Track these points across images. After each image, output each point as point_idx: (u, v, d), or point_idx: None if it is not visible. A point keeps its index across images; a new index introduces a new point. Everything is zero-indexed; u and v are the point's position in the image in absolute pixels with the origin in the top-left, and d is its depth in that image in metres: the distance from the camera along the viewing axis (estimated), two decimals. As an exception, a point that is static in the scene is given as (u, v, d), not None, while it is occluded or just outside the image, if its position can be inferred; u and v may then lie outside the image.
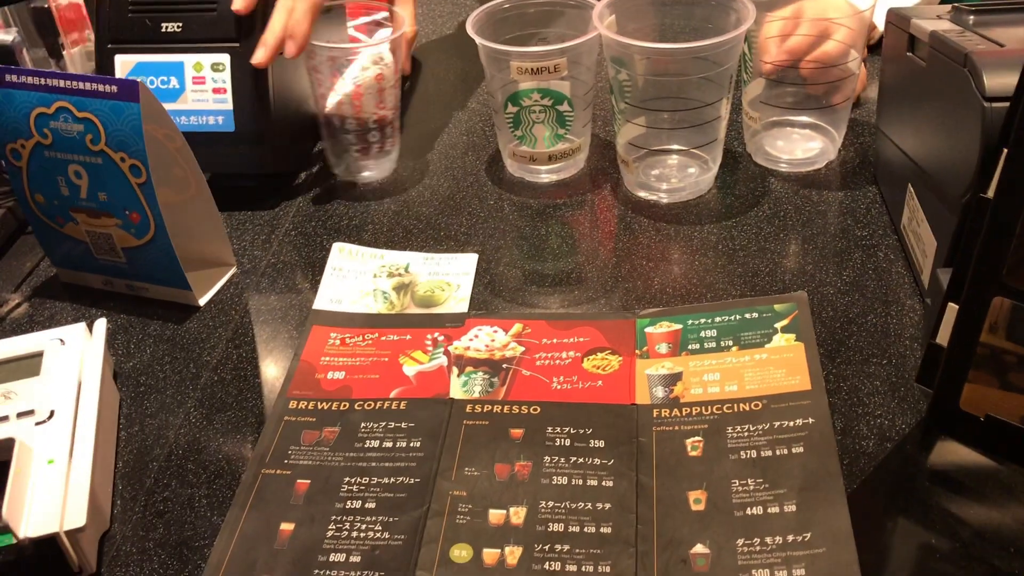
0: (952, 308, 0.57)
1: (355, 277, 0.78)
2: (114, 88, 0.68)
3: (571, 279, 0.77)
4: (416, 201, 0.87)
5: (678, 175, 0.84)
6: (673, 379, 0.65)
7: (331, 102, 0.84)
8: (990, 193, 0.53)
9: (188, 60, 0.85)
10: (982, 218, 0.54)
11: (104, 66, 0.86)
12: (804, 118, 0.85)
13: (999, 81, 0.58)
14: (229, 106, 0.84)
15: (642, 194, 0.84)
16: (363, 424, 0.65)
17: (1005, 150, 0.52)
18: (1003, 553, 0.53)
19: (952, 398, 0.58)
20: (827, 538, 0.54)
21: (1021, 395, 0.55)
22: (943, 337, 0.58)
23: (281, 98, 0.86)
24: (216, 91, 0.85)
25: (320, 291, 0.76)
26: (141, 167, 0.70)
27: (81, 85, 0.69)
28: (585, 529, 0.57)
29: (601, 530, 0.57)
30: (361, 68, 0.82)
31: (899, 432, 0.61)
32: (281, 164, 0.89)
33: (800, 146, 0.85)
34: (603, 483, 0.59)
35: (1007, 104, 0.55)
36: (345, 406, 0.66)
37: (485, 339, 0.70)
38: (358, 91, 0.83)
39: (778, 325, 0.67)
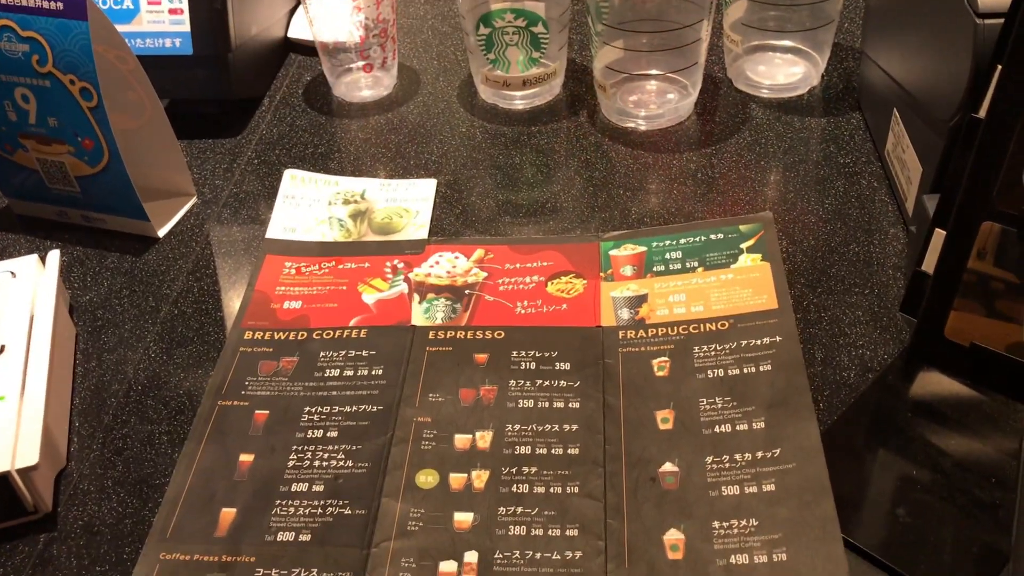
0: (939, 234, 0.55)
1: (309, 205, 0.75)
2: (60, 5, 0.64)
3: (542, 208, 0.74)
4: (384, 128, 0.84)
5: (657, 101, 0.81)
6: (638, 301, 0.64)
7: (328, 21, 0.81)
8: (982, 113, 0.51)
9: (142, -22, 0.80)
10: (972, 140, 0.52)
11: (53, -15, 0.81)
12: (787, 42, 0.82)
13: (993, -4, 0.55)
14: (187, 27, 0.80)
15: (620, 121, 0.82)
16: (322, 353, 0.63)
17: (999, 67, 0.49)
18: (985, 483, 0.52)
19: (937, 326, 0.56)
20: (796, 453, 0.53)
21: (1008, 323, 0.53)
22: (929, 264, 0.56)
23: (242, 18, 0.82)
24: (172, 12, 0.80)
25: (273, 219, 0.73)
26: (92, 90, 0.66)
27: (24, 2, 0.65)
28: (552, 451, 0.56)
29: (569, 451, 0.56)
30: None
31: (881, 363, 0.60)
32: (243, 89, 0.85)
33: (782, 71, 0.82)
34: (570, 405, 0.58)
35: (1000, 20, 0.52)
36: (303, 336, 0.64)
37: (446, 265, 0.68)
38: (356, 5, 0.79)
39: (743, 245, 0.66)
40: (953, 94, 0.58)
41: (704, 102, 0.83)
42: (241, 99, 0.86)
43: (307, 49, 0.93)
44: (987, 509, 0.51)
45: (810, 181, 0.74)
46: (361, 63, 0.85)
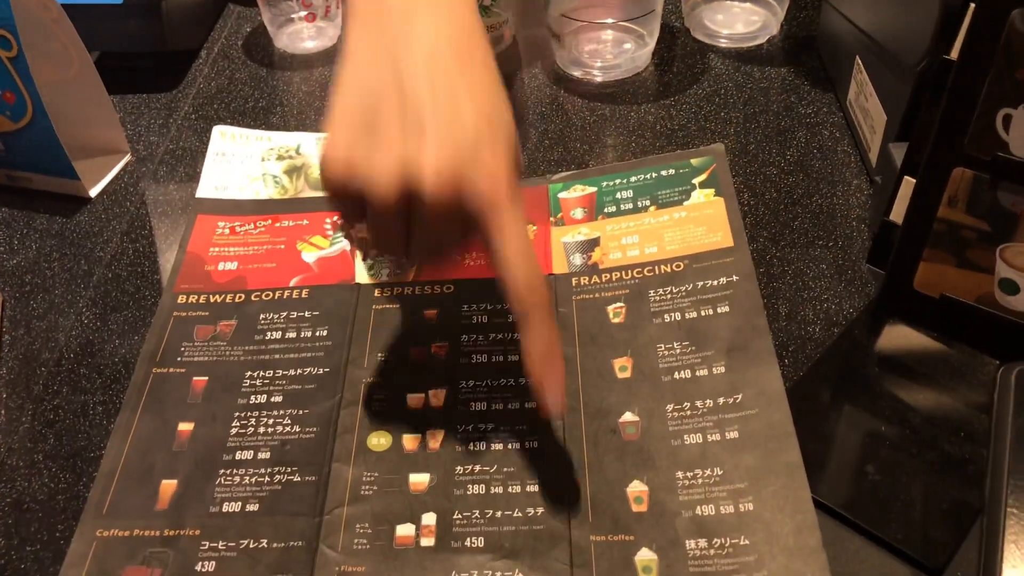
0: (908, 182, 0.53)
1: (241, 162, 0.71)
2: (-28, -56, 0.60)
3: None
4: (329, 81, 0.80)
5: (613, 51, 0.78)
6: (591, 245, 0.62)
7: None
8: (953, 55, 0.49)
9: (65, -80, 0.75)
10: (942, 84, 0.50)
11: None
12: (746, -11, 0.80)
13: (962, -66, 0.53)
14: (115, -26, 0.76)
15: (575, 71, 0.79)
16: (262, 315, 0.59)
17: (972, 5, 0.47)
18: (954, 438, 0.51)
19: (906, 278, 0.54)
20: (759, 399, 0.51)
21: (979, 273, 0.52)
22: (897, 214, 0.54)
23: (175, -35, 0.78)
24: (99, -43, 0.75)
25: (203, 178, 0.69)
26: (11, 38, 0.62)
27: (-67, -59, 0.60)
28: (509, 406, 0.54)
29: (526, 405, 0.54)
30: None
31: (847, 316, 0.58)
32: (178, 41, 0.81)
33: (741, 19, 0.80)
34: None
35: (971, -41, 0.50)
36: (240, 298, 0.61)
37: None
38: None
39: (696, 180, 0.64)
40: (921, 38, 0.56)
41: (661, 52, 0.80)
42: (176, 51, 0.82)
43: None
44: (957, 464, 0.50)
45: (771, 132, 0.72)
46: (303, 12, 0.81)
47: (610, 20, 0.77)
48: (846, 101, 0.71)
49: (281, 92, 0.79)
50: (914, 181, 0.52)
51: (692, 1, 0.81)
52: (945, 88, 0.49)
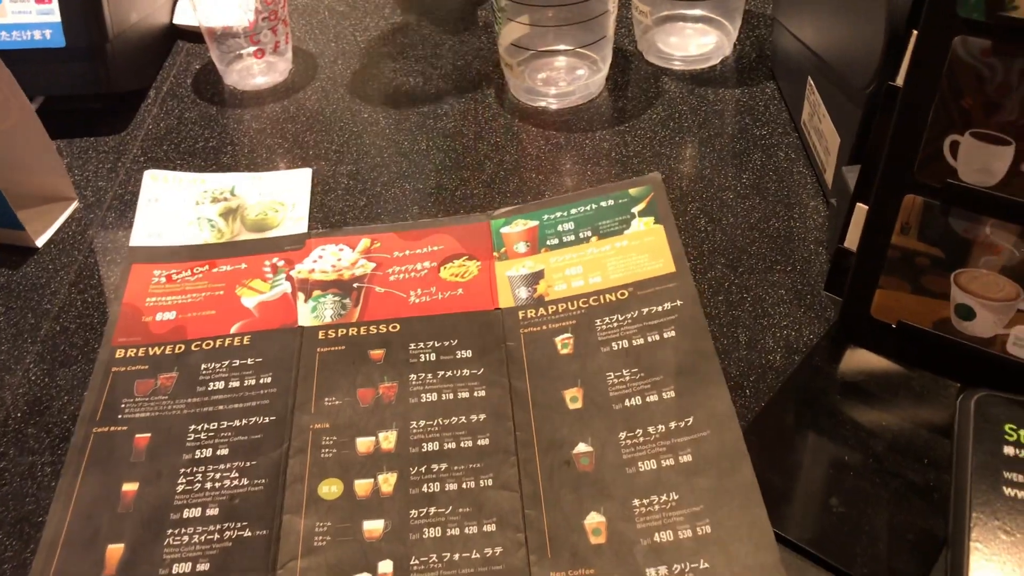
0: (861, 209, 0.53)
1: (174, 206, 0.69)
2: (-98, -3, 0.58)
3: (449, 195, 0.70)
4: (281, 117, 0.79)
5: (566, 78, 0.77)
6: (535, 278, 0.62)
7: (214, 5, 0.75)
8: (899, 80, 0.49)
9: (3, -35, 0.74)
10: (891, 109, 0.49)
11: (-97, -25, 0.75)
12: (697, 11, 0.79)
13: (905, -42, 0.53)
14: (56, 17, 0.74)
15: (529, 100, 0.78)
16: (204, 366, 0.58)
17: (914, 32, 0.47)
18: (917, 465, 0.51)
19: (862, 305, 0.54)
20: (710, 421, 0.52)
21: (934, 299, 0.51)
22: (852, 241, 0.54)
23: (119, 5, 0.76)
24: (39, 1, 0.74)
25: (136, 225, 0.68)
26: (-54, 90, 0.60)
27: None
28: (462, 444, 0.53)
29: (479, 442, 0.53)
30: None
31: (807, 343, 0.58)
32: (123, 82, 0.79)
33: (694, 41, 0.80)
34: (475, 394, 0.56)
35: (914, -18, 0.50)
36: (180, 348, 0.59)
37: (330, 259, 0.64)
38: None
39: (635, 210, 0.65)
40: (869, 61, 0.55)
41: (615, 77, 0.79)
42: (123, 92, 0.80)
43: (194, 36, 0.87)
44: (921, 492, 0.49)
45: (726, 155, 0.72)
46: (252, 48, 0.80)
47: (562, 47, 0.77)
48: (800, 121, 0.71)
49: (232, 130, 0.78)
50: (867, 208, 0.51)
51: (644, 24, 0.80)
52: (893, 113, 0.49)
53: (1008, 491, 0.45)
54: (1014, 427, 0.47)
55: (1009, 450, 0.47)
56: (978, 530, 0.44)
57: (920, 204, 0.49)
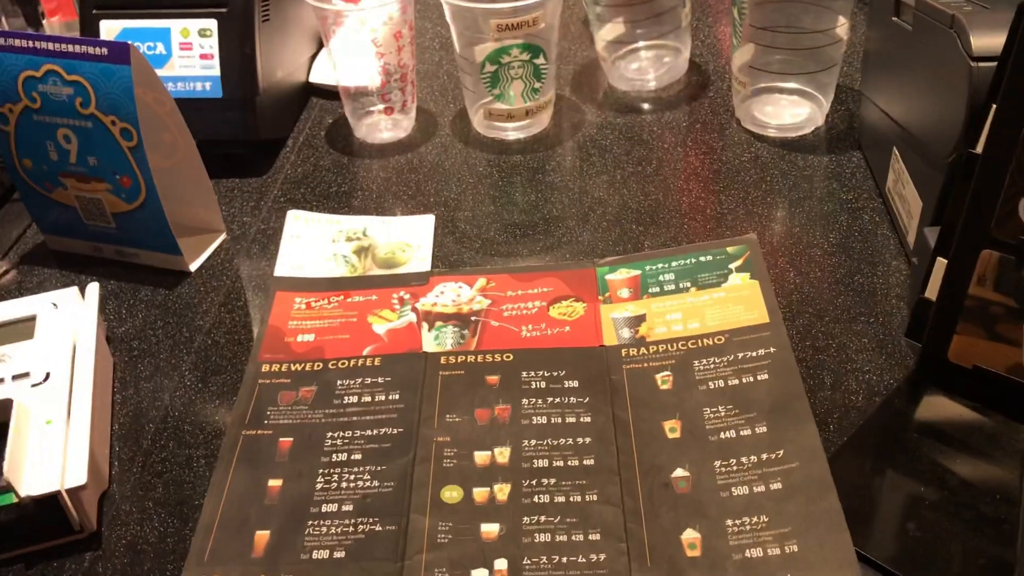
0: (941, 262, 0.58)
1: (313, 243, 0.78)
2: (104, 50, 0.68)
3: (555, 243, 0.77)
4: (404, 168, 0.87)
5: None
6: (637, 321, 0.68)
7: (351, 67, 0.84)
8: (979, 149, 0.55)
9: (175, 26, 0.84)
10: (970, 175, 0.55)
11: (89, 33, 0.85)
12: (792, 84, 0.86)
13: (986, 41, 0.58)
14: (216, 72, 0.84)
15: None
16: (339, 382, 0.65)
17: (994, 107, 0.53)
18: (989, 499, 0.55)
19: (941, 350, 0.59)
20: (799, 454, 0.57)
21: (1007, 345, 0.56)
22: (932, 291, 0.59)
23: (268, 63, 0.86)
24: (203, 57, 0.84)
25: (280, 258, 0.77)
26: (132, 131, 0.70)
27: (71, 48, 0.69)
28: (569, 463, 0.59)
29: (584, 462, 0.59)
30: (375, 27, 0.82)
31: (887, 387, 0.63)
32: (268, 131, 0.89)
33: (788, 111, 0.86)
34: (581, 419, 0.61)
35: (993, 64, 0.56)
36: (319, 366, 0.67)
37: (451, 295, 0.71)
38: (378, 51, 0.83)
39: (732, 266, 0.70)
40: (950, 133, 0.61)
41: (711, 141, 0.86)
42: (266, 140, 0.90)
43: (326, 93, 0.97)
44: (993, 523, 0.54)
45: (815, 216, 0.77)
46: (382, 106, 0.88)
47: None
48: (885, 188, 0.77)
49: (361, 178, 0.86)
50: (946, 262, 0.57)
51: (743, 94, 0.87)
52: (972, 178, 0.54)
53: (1073, 521, 0.49)
54: (1081, 465, 0.52)
55: (1075, 485, 0.51)
56: (1044, 553, 0.48)
57: (996, 258, 0.55)
